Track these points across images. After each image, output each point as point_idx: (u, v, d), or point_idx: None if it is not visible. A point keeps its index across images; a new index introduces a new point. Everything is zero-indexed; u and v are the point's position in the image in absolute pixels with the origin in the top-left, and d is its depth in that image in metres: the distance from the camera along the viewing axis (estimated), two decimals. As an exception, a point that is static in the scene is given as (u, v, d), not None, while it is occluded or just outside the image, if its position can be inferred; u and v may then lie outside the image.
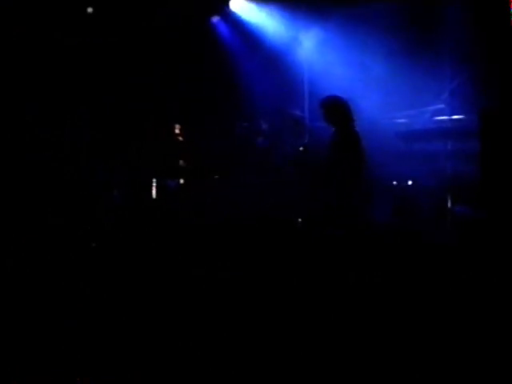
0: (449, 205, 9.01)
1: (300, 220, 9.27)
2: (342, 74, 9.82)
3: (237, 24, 11.41)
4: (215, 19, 11.70)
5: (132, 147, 10.33)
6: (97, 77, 9.79)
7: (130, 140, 10.35)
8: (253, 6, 11.11)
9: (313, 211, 8.65)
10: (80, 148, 9.87)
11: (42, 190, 9.25)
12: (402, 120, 10.17)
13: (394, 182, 9.43)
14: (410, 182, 9.39)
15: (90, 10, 8.62)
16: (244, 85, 11.06)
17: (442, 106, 9.57)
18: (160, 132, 10.77)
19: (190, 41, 10.84)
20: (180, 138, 11.05)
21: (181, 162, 10.84)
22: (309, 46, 10.91)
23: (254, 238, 8.33)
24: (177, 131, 10.99)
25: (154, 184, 10.56)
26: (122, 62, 10.10)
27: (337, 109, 8.29)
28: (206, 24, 11.42)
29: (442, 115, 9.57)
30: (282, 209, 9.14)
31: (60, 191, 9.54)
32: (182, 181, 10.75)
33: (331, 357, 4.90)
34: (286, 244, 8.16)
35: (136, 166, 10.23)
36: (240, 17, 11.24)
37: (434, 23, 9.47)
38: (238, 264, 7.31)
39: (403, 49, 9.78)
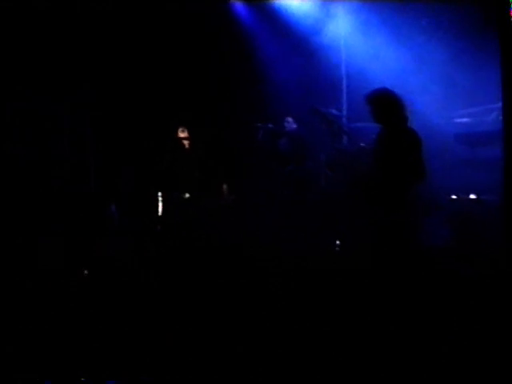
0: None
1: (338, 243, 7.83)
2: (389, 64, 8.54)
3: (260, 7, 9.99)
4: (235, 2, 10.20)
5: (132, 153, 8.83)
6: (102, 69, 8.68)
7: (130, 145, 8.92)
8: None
9: (355, 233, 7.28)
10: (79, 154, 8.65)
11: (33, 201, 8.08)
12: (464, 120, 8.65)
13: (453, 196, 8.07)
14: (472, 196, 7.97)
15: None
16: (267, 77, 9.73)
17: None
18: (161, 136, 9.21)
19: (204, 26, 9.37)
20: (185, 143, 9.37)
21: (186, 171, 9.24)
22: (347, 31, 9.56)
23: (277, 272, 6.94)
24: (181, 134, 9.29)
25: (160, 198, 8.87)
26: (128, 54, 8.90)
27: (389, 105, 6.84)
28: (225, 8, 9.94)
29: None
30: (313, 231, 7.79)
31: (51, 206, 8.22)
32: (187, 195, 9.01)
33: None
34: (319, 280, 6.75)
35: (137, 176, 8.76)
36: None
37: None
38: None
39: (466, 31, 8.25)
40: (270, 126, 9.61)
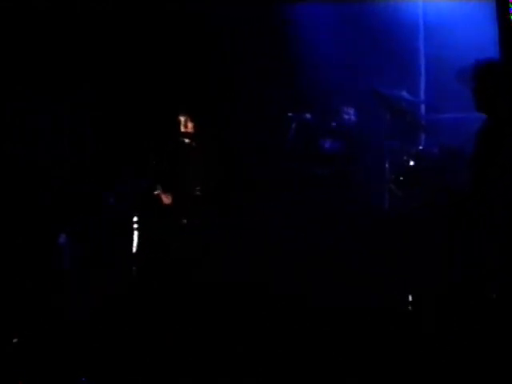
0: None
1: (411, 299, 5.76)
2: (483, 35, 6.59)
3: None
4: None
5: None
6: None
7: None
8: None
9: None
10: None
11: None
12: None
13: None
14: None
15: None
16: (306, 49, 7.56)
17: None
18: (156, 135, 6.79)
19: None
20: (188, 141, 6.59)
21: (187, 183, 6.49)
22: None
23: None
24: (183, 128, 6.58)
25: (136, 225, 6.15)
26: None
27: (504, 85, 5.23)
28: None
29: None
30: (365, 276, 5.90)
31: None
32: (184, 221, 6.32)
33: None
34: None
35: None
36: None
37: None
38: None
39: None
40: (308, 117, 6.94)
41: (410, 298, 5.80)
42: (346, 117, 7.25)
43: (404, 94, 6.97)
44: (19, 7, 7.19)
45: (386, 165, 6.61)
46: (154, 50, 7.42)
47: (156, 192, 6.28)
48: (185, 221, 6.29)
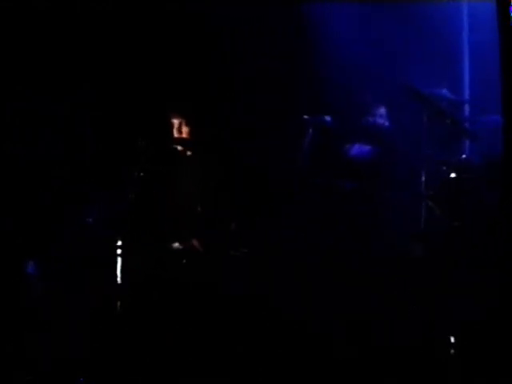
0: None
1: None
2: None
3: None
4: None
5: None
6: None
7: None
8: None
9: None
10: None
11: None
12: None
13: None
14: None
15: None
16: (329, 48, 6.83)
17: None
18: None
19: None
20: (184, 151, 5.66)
21: (181, 201, 5.57)
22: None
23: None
24: (177, 133, 5.68)
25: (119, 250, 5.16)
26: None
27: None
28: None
29: None
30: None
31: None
32: (177, 245, 5.42)
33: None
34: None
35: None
36: None
37: None
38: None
39: None
40: (328, 119, 6.04)
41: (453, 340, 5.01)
42: (375, 120, 6.35)
43: (445, 92, 6.25)
44: (19, 7, 6.91)
45: (423, 177, 5.85)
46: (149, 49, 6.87)
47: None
48: (181, 245, 5.38)
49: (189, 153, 5.64)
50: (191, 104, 6.03)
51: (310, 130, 5.91)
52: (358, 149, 6.13)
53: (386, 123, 6.39)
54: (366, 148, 6.12)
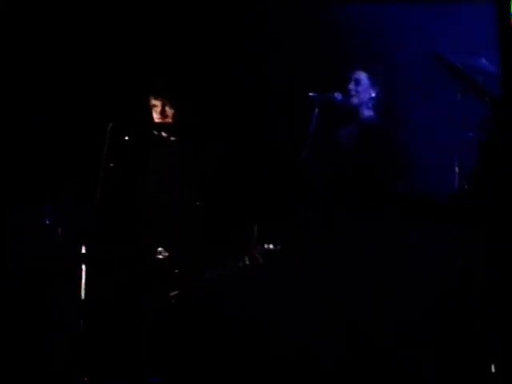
0: None
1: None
2: None
3: None
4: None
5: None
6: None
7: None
8: None
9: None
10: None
11: None
12: None
13: None
14: None
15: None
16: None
17: None
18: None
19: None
20: (166, 137, 4.80)
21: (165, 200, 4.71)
22: None
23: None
24: (159, 117, 4.75)
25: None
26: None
27: None
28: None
29: None
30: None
31: None
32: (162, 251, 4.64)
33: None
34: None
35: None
36: None
37: None
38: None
39: None
40: (338, 97, 4.99)
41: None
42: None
43: (483, 62, 5.24)
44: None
45: (456, 168, 4.86)
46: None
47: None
48: (165, 254, 4.48)
49: (173, 139, 4.76)
50: (178, 82, 5.11)
51: (316, 109, 4.96)
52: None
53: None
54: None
